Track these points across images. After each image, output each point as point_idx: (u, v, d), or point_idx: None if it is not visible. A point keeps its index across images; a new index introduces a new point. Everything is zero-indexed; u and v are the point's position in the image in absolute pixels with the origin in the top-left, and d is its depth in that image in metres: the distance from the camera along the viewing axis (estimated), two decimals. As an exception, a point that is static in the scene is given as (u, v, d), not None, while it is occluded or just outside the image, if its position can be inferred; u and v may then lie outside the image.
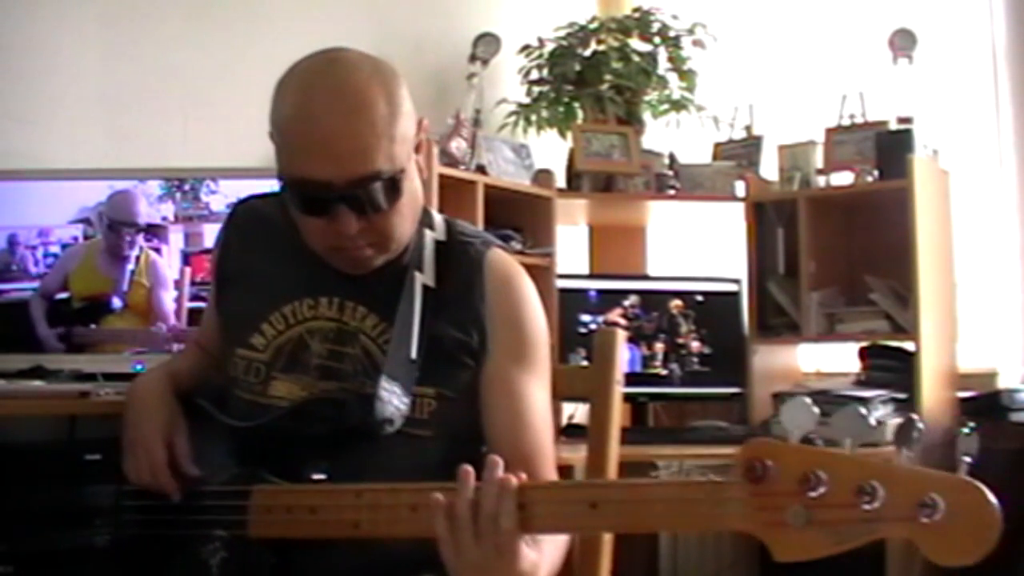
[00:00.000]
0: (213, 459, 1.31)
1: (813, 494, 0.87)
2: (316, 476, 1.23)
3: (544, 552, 1.15)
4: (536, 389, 1.36)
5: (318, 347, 1.33)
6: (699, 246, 3.64)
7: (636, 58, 3.35)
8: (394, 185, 1.24)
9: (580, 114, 3.36)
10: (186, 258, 2.23)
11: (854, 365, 2.93)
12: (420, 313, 1.31)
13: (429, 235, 1.39)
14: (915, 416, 0.91)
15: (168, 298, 2.21)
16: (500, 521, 1.02)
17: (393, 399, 1.25)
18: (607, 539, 1.44)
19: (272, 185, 2.19)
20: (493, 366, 1.34)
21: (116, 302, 2.20)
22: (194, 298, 2.21)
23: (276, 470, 1.24)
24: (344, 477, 1.22)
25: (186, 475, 1.30)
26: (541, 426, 1.34)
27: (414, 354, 1.29)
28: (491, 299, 1.35)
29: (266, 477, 1.24)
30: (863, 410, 0.91)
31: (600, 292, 3.23)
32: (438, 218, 1.43)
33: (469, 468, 1.06)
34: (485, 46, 3.15)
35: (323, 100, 1.21)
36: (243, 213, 1.48)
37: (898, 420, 0.79)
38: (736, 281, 3.28)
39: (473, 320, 1.34)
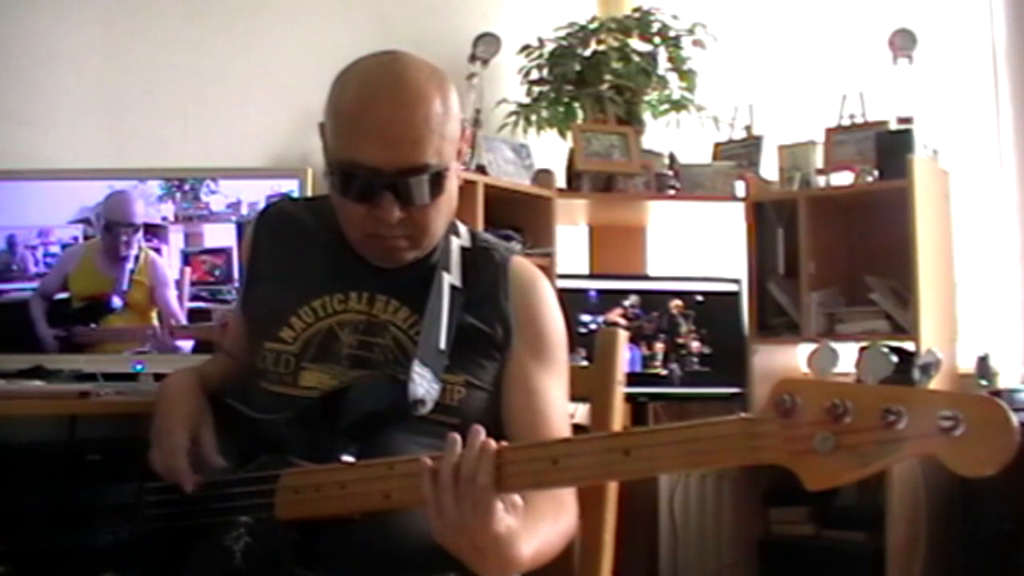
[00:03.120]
0: (242, 453, 1.32)
1: (839, 421, 0.91)
2: (346, 457, 1.24)
3: (535, 530, 1.19)
4: (554, 387, 1.40)
5: (348, 338, 1.36)
6: (699, 246, 3.65)
7: (636, 58, 3.35)
8: (438, 180, 1.30)
9: (580, 114, 3.36)
10: (186, 258, 2.23)
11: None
12: (448, 307, 1.35)
13: (455, 241, 1.44)
14: (933, 348, 0.94)
15: (172, 296, 2.21)
16: (478, 480, 1.07)
17: (424, 383, 1.28)
18: (608, 539, 1.45)
19: (272, 186, 2.22)
20: (514, 363, 1.38)
21: (116, 302, 2.20)
22: (194, 298, 2.22)
23: (306, 456, 1.26)
24: None
25: (212, 466, 1.31)
26: (558, 423, 1.37)
27: (443, 344, 1.33)
28: (515, 299, 1.40)
29: (294, 462, 1.25)
30: (884, 349, 0.93)
31: (600, 292, 3.23)
32: (463, 228, 1.48)
33: (456, 435, 1.11)
34: (485, 46, 3.15)
35: (384, 90, 1.28)
36: (274, 214, 1.52)
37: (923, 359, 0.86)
38: (736, 281, 3.28)
39: (498, 316, 1.38)
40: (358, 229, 1.34)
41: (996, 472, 0.84)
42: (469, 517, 1.07)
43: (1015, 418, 0.84)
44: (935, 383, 0.90)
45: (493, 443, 1.09)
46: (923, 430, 0.86)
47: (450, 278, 1.38)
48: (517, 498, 1.12)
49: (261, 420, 1.34)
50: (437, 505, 1.08)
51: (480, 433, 1.10)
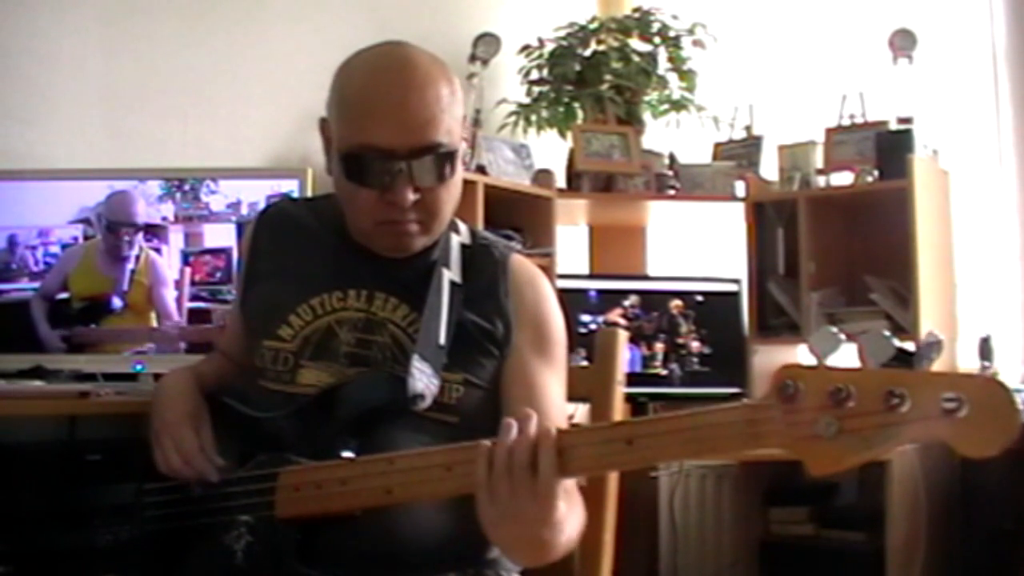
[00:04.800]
0: (240, 452, 1.32)
1: (842, 405, 0.91)
2: (345, 453, 1.23)
3: (570, 515, 1.17)
4: (553, 384, 1.40)
5: (346, 336, 1.36)
6: (699, 246, 3.65)
7: (636, 58, 3.35)
8: (450, 160, 1.31)
9: (580, 114, 3.36)
10: (186, 258, 2.23)
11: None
12: (448, 303, 1.35)
13: (455, 238, 1.44)
14: (934, 331, 0.94)
15: (170, 296, 2.21)
16: (540, 468, 1.04)
17: (423, 377, 1.28)
18: (608, 539, 1.45)
19: (272, 186, 2.22)
20: (515, 359, 1.38)
21: (116, 302, 2.20)
22: (194, 298, 2.21)
23: (305, 454, 1.26)
24: None
25: (212, 465, 1.31)
26: (557, 420, 1.36)
27: (442, 340, 1.32)
28: (515, 296, 1.40)
29: (293, 459, 1.25)
30: (886, 332, 0.93)
31: (600, 292, 3.23)
32: (462, 225, 1.48)
33: (511, 420, 1.08)
34: (485, 46, 3.15)
35: (393, 73, 1.30)
36: (273, 214, 1.52)
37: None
38: (736, 281, 3.28)
39: (498, 312, 1.38)
40: (369, 218, 1.33)
41: (999, 453, 0.84)
42: (528, 506, 1.05)
43: (1018, 399, 0.84)
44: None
45: (552, 429, 1.06)
46: (926, 413, 0.87)
47: (450, 274, 1.38)
48: (569, 482, 1.11)
49: (260, 418, 1.34)
50: (491, 493, 1.06)
51: (532, 418, 1.07)
